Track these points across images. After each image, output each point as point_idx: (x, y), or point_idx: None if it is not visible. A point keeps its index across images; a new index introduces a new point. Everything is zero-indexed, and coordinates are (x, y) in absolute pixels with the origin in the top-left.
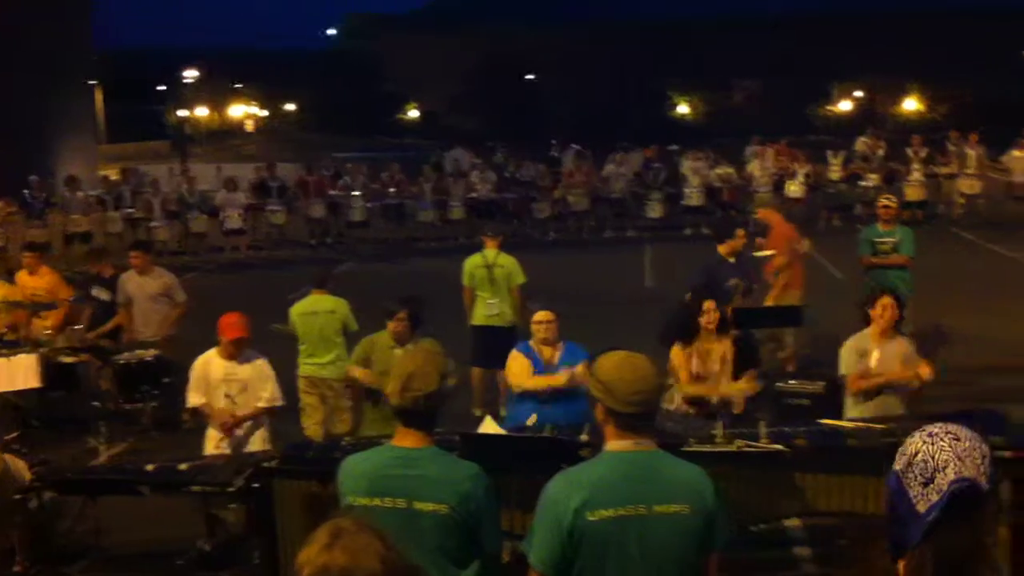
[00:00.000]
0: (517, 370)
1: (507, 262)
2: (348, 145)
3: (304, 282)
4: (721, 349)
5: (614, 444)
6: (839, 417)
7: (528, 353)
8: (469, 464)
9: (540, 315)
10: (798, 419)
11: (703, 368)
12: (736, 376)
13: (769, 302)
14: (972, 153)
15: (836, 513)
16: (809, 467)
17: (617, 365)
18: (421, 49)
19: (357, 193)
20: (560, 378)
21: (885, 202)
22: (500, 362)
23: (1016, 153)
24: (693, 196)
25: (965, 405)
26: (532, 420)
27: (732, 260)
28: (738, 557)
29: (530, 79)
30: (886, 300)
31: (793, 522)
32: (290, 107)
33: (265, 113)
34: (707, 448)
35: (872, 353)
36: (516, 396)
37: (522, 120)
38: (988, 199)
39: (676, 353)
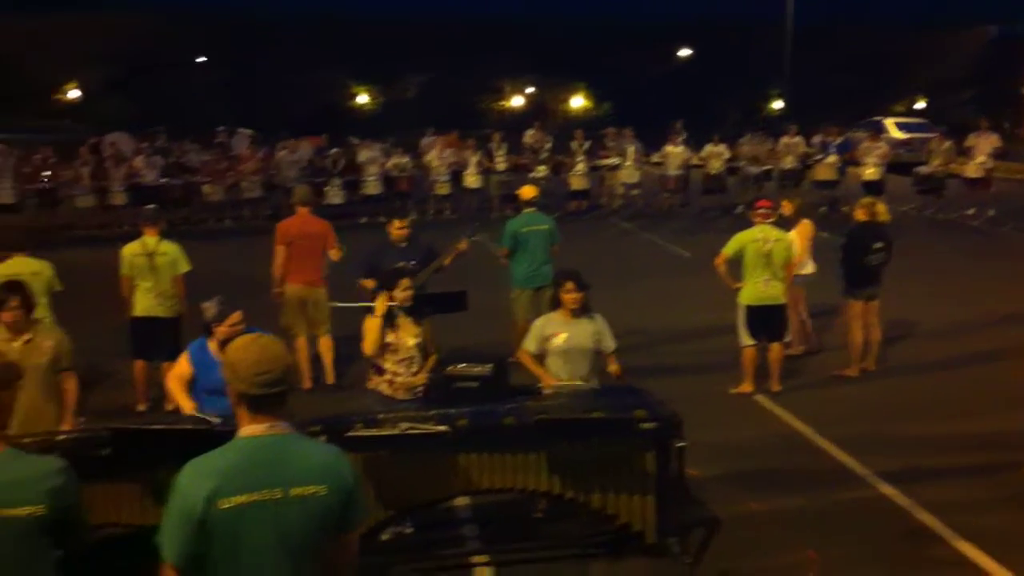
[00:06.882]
0: (175, 373)
1: (170, 249)
2: None
3: None
4: (412, 328)
5: (247, 429)
6: (506, 397)
7: (199, 357)
8: (52, 459)
9: (235, 316)
10: (467, 401)
11: (396, 342)
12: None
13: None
14: (630, 148)
15: (499, 490)
16: (472, 446)
17: (243, 346)
18: (72, 28)
19: (7, 177)
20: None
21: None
22: (163, 354)
23: (669, 148)
24: (370, 185)
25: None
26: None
27: (403, 245)
28: (409, 537)
29: (193, 64)
30: (568, 284)
31: (460, 501)
32: None
33: None
34: (373, 432)
35: (560, 335)
36: (205, 391)
37: (181, 106)
38: (645, 191)
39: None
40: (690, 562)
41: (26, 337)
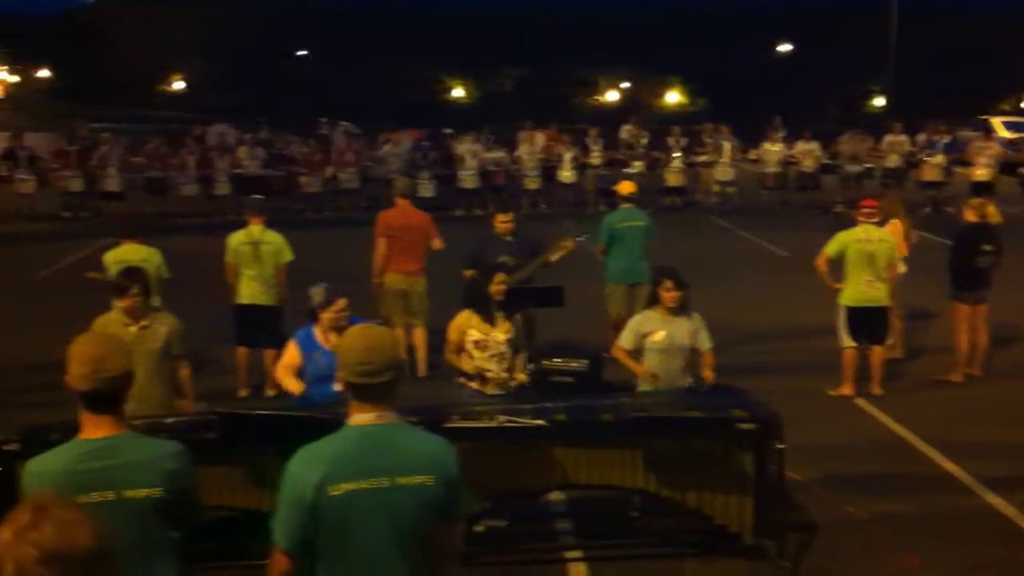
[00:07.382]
0: (284, 362)
1: (274, 239)
2: (100, 115)
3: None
4: (503, 324)
5: (356, 418)
6: (600, 391)
7: (305, 344)
8: (169, 442)
9: (341, 303)
10: (562, 395)
11: (486, 338)
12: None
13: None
14: (727, 144)
15: (595, 486)
16: (569, 441)
17: (351, 335)
18: (183, 20)
19: (113, 165)
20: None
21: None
22: (266, 341)
23: (768, 146)
24: (467, 178)
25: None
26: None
27: (509, 239)
28: (501, 530)
29: (293, 57)
30: (668, 282)
31: (555, 495)
32: (44, 74)
33: (16, 79)
34: (470, 424)
35: (658, 332)
36: (312, 377)
37: (285, 98)
38: (740, 188)
39: (462, 318)
40: (788, 566)
41: (144, 323)
